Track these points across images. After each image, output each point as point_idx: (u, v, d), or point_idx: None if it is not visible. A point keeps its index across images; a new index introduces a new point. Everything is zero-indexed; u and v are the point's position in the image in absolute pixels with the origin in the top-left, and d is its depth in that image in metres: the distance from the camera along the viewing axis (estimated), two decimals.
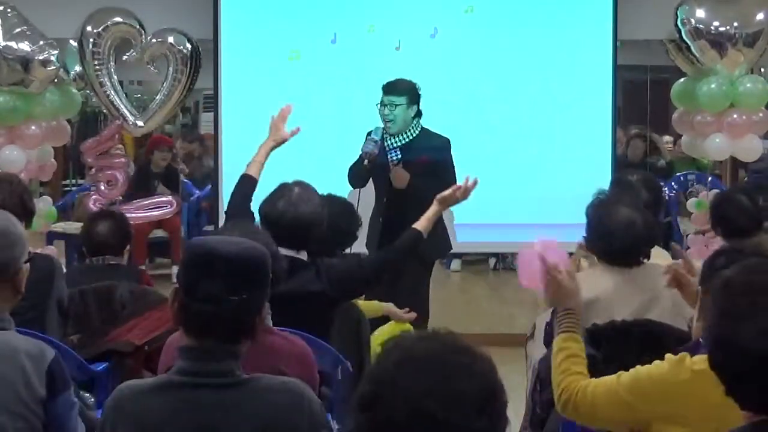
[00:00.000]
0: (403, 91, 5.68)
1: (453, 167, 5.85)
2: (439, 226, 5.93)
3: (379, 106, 5.69)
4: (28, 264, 2.75)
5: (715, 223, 4.57)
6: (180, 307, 2.27)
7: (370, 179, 5.86)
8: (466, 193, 4.29)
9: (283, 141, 4.51)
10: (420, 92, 5.75)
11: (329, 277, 3.78)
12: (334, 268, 3.85)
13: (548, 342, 3.59)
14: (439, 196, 4.21)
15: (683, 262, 3.25)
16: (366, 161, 5.62)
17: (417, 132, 5.75)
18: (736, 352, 1.85)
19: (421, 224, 4.12)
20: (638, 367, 2.56)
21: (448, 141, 5.85)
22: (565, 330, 2.78)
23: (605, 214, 3.66)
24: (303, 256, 3.79)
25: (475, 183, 4.24)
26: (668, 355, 2.54)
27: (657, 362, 2.54)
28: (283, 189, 3.85)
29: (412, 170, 5.73)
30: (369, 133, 5.79)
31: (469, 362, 1.63)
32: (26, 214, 4.05)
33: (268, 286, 2.33)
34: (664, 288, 3.48)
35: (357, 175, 5.80)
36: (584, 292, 3.57)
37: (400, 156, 5.72)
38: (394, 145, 5.75)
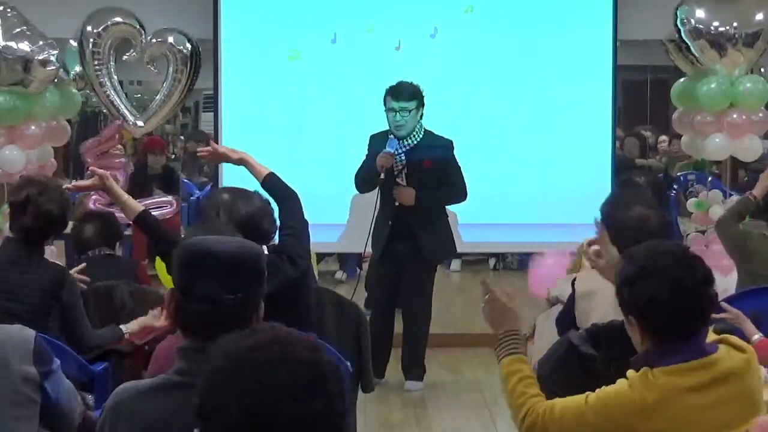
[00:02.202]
0: (413, 95, 5.72)
1: (458, 167, 5.86)
2: (441, 227, 5.95)
3: (388, 112, 5.70)
4: None
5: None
6: (177, 308, 2.27)
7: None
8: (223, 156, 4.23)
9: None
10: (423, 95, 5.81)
11: (296, 256, 3.82)
12: (290, 245, 3.86)
13: (563, 330, 3.59)
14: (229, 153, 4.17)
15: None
16: (381, 175, 5.65)
17: (421, 135, 5.78)
18: None
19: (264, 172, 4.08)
20: (605, 389, 2.53)
21: (451, 143, 5.88)
22: (511, 352, 2.69)
23: (618, 210, 3.67)
24: (265, 251, 3.78)
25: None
26: (631, 373, 2.52)
27: (622, 382, 2.51)
28: (214, 198, 3.83)
29: (418, 172, 5.74)
30: (372, 138, 5.82)
31: (288, 352, 1.62)
32: (62, 227, 4.13)
33: (264, 284, 2.33)
34: None
35: (366, 182, 5.82)
36: (586, 284, 3.60)
37: (404, 159, 5.73)
38: (400, 149, 5.78)
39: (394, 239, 5.81)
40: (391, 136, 5.76)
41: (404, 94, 5.70)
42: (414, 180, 5.77)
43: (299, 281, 3.84)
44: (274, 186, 4.04)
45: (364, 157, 5.92)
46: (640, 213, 3.60)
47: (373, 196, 5.92)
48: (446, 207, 6.06)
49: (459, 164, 5.89)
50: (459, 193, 5.93)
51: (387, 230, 5.82)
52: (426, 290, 6.01)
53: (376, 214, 5.90)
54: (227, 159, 4.18)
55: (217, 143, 7.34)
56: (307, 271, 3.98)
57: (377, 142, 5.83)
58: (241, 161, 4.14)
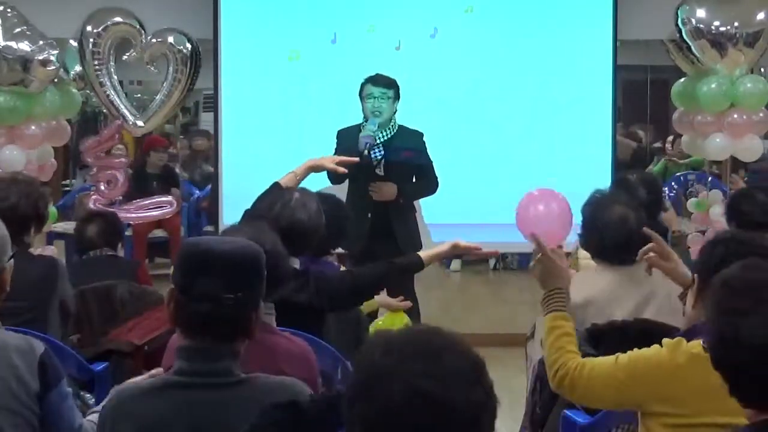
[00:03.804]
0: (392, 84, 5.71)
1: (430, 158, 5.84)
2: (413, 220, 5.90)
3: (366, 98, 5.66)
4: (11, 261, 2.75)
5: (730, 217, 4.55)
6: (176, 307, 2.27)
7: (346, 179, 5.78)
8: (480, 254, 4.23)
9: (323, 169, 4.56)
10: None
11: (318, 288, 3.68)
12: (325, 281, 3.74)
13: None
14: (456, 243, 3.99)
15: (656, 244, 3.26)
16: (365, 151, 5.56)
17: (396, 129, 5.74)
18: (738, 348, 1.87)
19: (426, 256, 3.97)
20: (637, 351, 2.63)
21: (422, 134, 5.85)
22: (555, 309, 2.84)
23: (598, 211, 3.68)
24: (295, 263, 3.66)
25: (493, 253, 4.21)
26: (665, 340, 2.60)
27: (655, 346, 2.60)
28: (281, 191, 3.81)
29: (396, 166, 5.69)
30: (341, 133, 5.78)
31: (451, 341, 1.67)
32: (39, 219, 4.07)
33: (264, 285, 2.34)
34: (659, 285, 3.50)
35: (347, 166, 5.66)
36: (579, 292, 3.60)
37: (383, 153, 5.66)
38: (376, 142, 5.72)
39: (373, 237, 5.70)
40: (364, 124, 5.69)
41: (384, 81, 5.70)
42: (392, 173, 5.72)
43: (309, 310, 3.68)
44: (410, 266, 3.97)
45: (334, 152, 5.80)
46: (620, 213, 3.61)
47: (341, 192, 5.80)
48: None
49: (430, 155, 5.85)
50: (431, 185, 5.91)
51: (366, 225, 5.71)
52: (412, 287, 5.96)
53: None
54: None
55: (217, 143, 7.37)
56: (322, 315, 3.78)
57: (347, 136, 5.76)
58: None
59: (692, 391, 2.53)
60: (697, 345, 2.56)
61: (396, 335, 1.68)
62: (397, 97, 5.73)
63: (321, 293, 3.69)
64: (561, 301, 2.85)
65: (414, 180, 5.84)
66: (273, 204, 3.71)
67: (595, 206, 3.74)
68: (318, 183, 6.05)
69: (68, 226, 8.11)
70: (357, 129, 5.73)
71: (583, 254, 4.47)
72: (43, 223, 4.18)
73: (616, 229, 3.59)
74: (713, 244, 2.67)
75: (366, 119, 5.70)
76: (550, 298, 2.86)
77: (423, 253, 4.02)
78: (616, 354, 2.65)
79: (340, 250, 5.79)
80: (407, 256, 4.07)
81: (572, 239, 5.01)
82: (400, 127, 5.77)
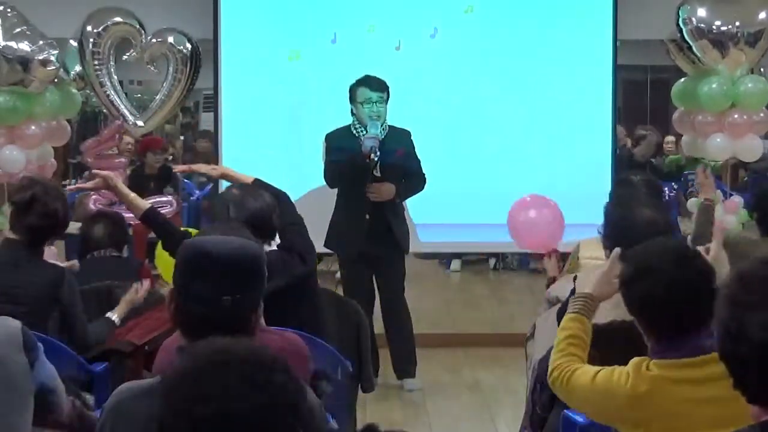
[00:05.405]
0: (385, 86, 5.68)
1: (418, 157, 5.83)
2: (403, 215, 5.92)
3: (364, 103, 5.61)
4: None
5: (759, 217, 4.58)
6: (176, 308, 2.27)
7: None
8: None
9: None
10: None
11: (305, 253, 3.89)
12: (299, 243, 3.92)
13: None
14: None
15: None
16: (371, 155, 5.54)
17: (387, 129, 5.72)
18: (743, 342, 1.86)
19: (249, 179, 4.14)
20: (610, 372, 2.66)
21: (410, 133, 5.83)
22: (574, 311, 2.93)
23: (626, 212, 3.66)
24: (275, 246, 3.83)
25: None
26: (633, 361, 2.64)
27: (622, 369, 2.63)
28: (224, 195, 3.91)
29: (390, 167, 5.68)
30: (331, 136, 5.73)
31: (215, 354, 1.69)
32: (65, 227, 4.11)
33: (263, 285, 2.33)
34: None
35: (352, 170, 5.63)
36: (581, 285, 3.61)
37: (378, 154, 5.63)
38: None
39: (372, 238, 5.68)
40: (361, 130, 5.65)
41: (379, 84, 5.66)
42: (388, 173, 5.70)
43: (306, 279, 3.86)
44: (264, 190, 4.04)
45: (325, 156, 5.75)
46: (649, 216, 3.60)
47: (329, 194, 5.80)
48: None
49: (417, 153, 5.85)
50: (421, 182, 5.91)
51: (365, 227, 5.68)
52: (402, 283, 5.94)
53: (337, 212, 5.76)
54: (209, 177, 4.33)
55: (217, 143, 7.38)
56: (314, 268, 4.02)
57: (339, 139, 5.72)
58: (222, 176, 4.42)
59: (657, 414, 2.55)
60: (658, 366, 2.58)
61: (172, 371, 1.71)
62: (388, 98, 5.71)
63: (306, 253, 3.89)
64: (584, 306, 2.93)
65: (405, 178, 5.82)
66: (225, 208, 3.76)
67: (622, 207, 3.73)
68: (311, 184, 6.07)
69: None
70: (347, 131, 5.69)
71: (584, 254, 4.46)
72: (65, 229, 4.21)
73: (645, 231, 3.57)
74: (627, 283, 2.68)
75: (358, 122, 5.66)
76: (576, 300, 2.96)
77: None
78: (596, 370, 2.70)
79: (326, 250, 5.83)
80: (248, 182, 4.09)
81: (571, 239, 5.03)
82: (390, 127, 5.76)
